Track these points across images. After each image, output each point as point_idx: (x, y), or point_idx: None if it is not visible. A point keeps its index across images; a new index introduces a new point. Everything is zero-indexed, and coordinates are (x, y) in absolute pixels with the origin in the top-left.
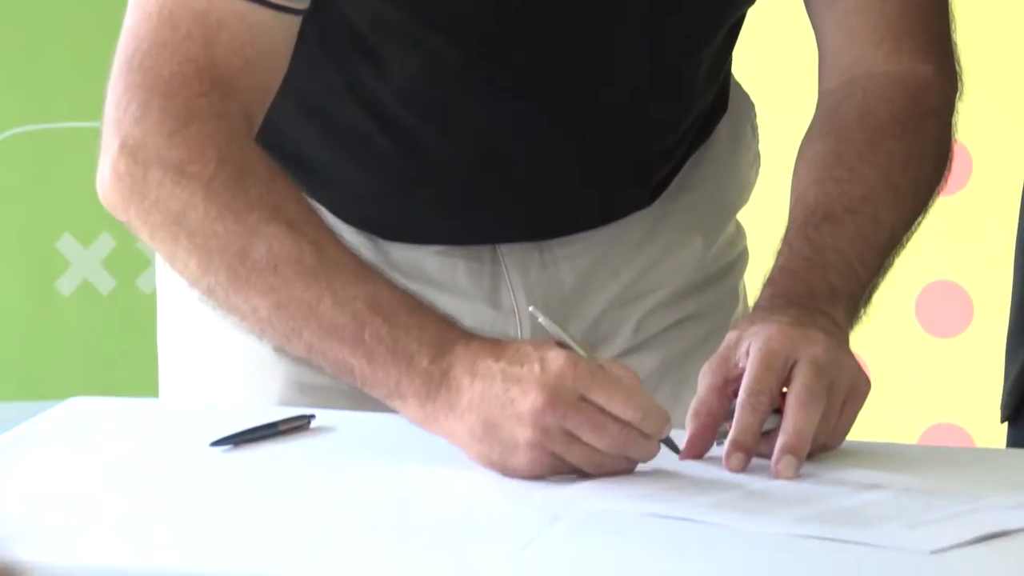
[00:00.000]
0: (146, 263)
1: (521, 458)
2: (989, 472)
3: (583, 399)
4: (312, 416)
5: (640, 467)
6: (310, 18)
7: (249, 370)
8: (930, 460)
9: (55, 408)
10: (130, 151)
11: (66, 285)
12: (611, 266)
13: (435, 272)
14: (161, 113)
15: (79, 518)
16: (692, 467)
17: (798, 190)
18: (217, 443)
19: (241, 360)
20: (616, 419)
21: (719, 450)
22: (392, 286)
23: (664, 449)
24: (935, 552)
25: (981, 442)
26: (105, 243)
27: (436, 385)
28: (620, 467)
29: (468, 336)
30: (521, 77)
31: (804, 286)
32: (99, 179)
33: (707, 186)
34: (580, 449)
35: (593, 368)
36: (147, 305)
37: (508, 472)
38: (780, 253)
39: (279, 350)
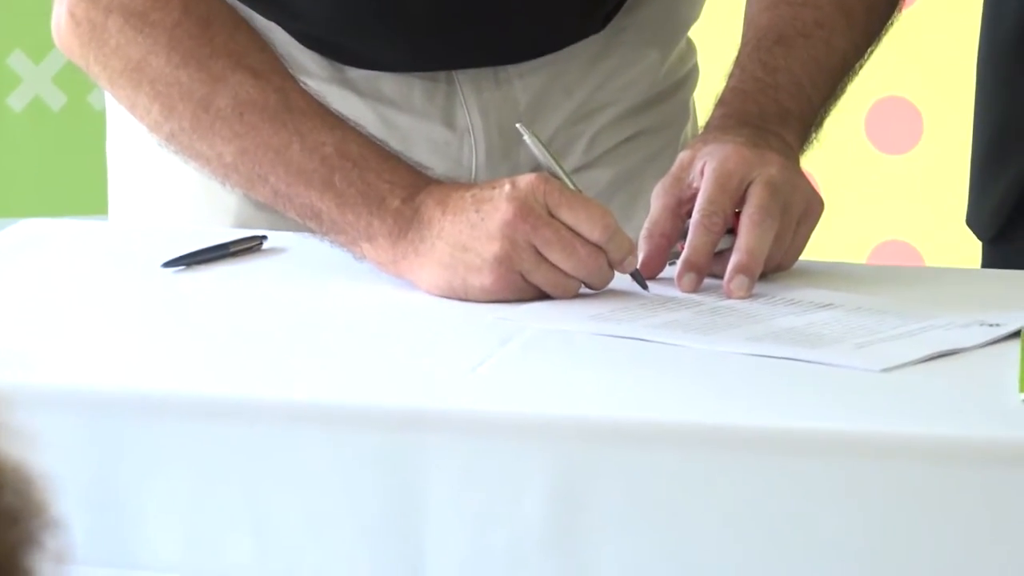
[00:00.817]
0: None
1: (486, 277)
2: (939, 291)
3: (553, 216)
4: (264, 237)
5: (594, 295)
6: None
7: (203, 189)
8: (881, 279)
9: (5, 231)
10: (90, 3)
11: (17, 102)
12: (565, 84)
13: (391, 92)
14: None
15: (31, 340)
16: (644, 289)
17: (751, 13)
18: (169, 264)
19: (195, 178)
20: (584, 240)
21: (672, 270)
22: (360, 133)
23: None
24: (885, 370)
25: (930, 259)
26: (56, 59)
27: (407, 221)
28: (577, 292)
29: (439, 179)
30: None
31: (755, 106)
32: (54, 22)
33: (659, 2)
34: (546, 269)
35: (564, 188)
36: (98, 122)
37: (469, 295)
38: (732, 74)
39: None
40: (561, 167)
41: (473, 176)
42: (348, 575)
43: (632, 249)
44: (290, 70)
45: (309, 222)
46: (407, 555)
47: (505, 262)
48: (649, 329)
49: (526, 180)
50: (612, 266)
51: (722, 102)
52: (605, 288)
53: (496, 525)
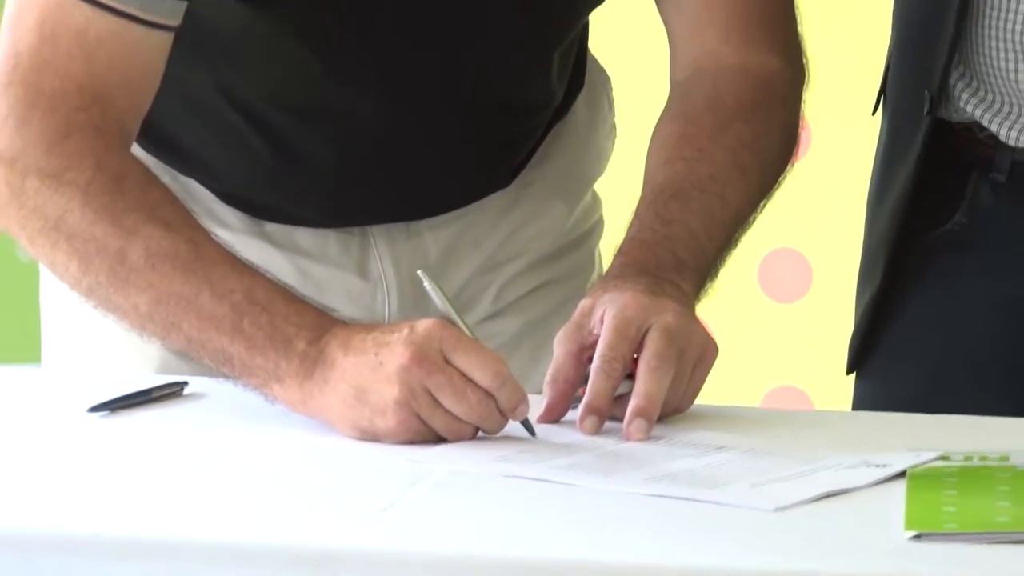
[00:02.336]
0: None
1: (389, 420)
2: (828, 433)
3: (448, 362)
4: (185, 383)
5: (501, 438)
6: (184, 25)
7: (129, 337)
8: (773, 422)
9: None
10: (8, 161)
11: None
12: (474, 236)
13: (307, 244)
14: (41, 126)
15: None
16: (548, 430)
17: (650, 169)
18: (94, 409)
19: (121, 328)
20: (476, 387)
21: (574, 414)
22: (268, 280)
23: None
24: (778, 509)
25: (820, 404)
26: None
27: (312, 363)
28: (472, 436)
29: (344, 321)
30: (381, 77)
31: (653, 256)
32: None
33: (566, 157)
34: (442, 415)
35: (460, 335)
36: (28, 273)
37: (377, 437)
38: (631, 225)
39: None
40: (459, 314)
41: (387, 323)
42: None
43: (523, 398)
44: (206, 222)
45: (222, 367)
46: None
47: (404, 406)
48: (553, 470)
49: (423, 325)
50: (502, 414)
51: (621, 252)
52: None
53: None
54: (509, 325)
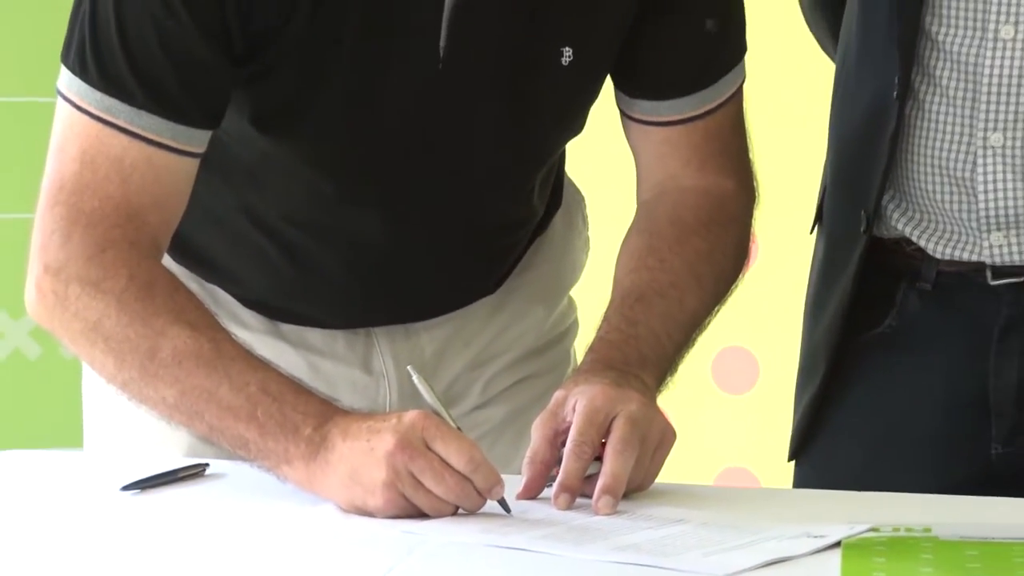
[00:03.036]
0: None
1: (378, 498)
2: (772, 508)
3: (429, 449)
4: (207, 464)
5: (488, 516)
6: (210, 151)
7: (159, 424)
8: (724, 498)
9: None
10: (53, 272)
11: (0, 353)
12: (464, 336)
13: (318, 342)
14: (82, 241)
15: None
16: (526, 505)
17: (618, 276)
18: (126, 488)
19: (152, 416)
20: (453, 471)
21: (549, 491)
22: (279, 373)
23: (509, 495)
24: (730, 575)
25: (766, 483)
26: (28, 321)
27: (316, 447)
28: (451, 513)
29: (345, 410)
30: (386, 201)
31: (620, 354)
32: (27, 296)
33: (545, 267)
34: (424, 494)
35: (441, 424)
36: (70, 368)
37: (369, 512)
38: (600, 326)
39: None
40: (444, 406)
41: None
42: None
43: (497, 481)
44: (229, 323)
45: (240, 451)
46: None
47: (391, 486)
48: (531, 540)
49: (409, 416)
50: (480, 494)
51: (592, 349)
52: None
53: None
54: (495, 414)
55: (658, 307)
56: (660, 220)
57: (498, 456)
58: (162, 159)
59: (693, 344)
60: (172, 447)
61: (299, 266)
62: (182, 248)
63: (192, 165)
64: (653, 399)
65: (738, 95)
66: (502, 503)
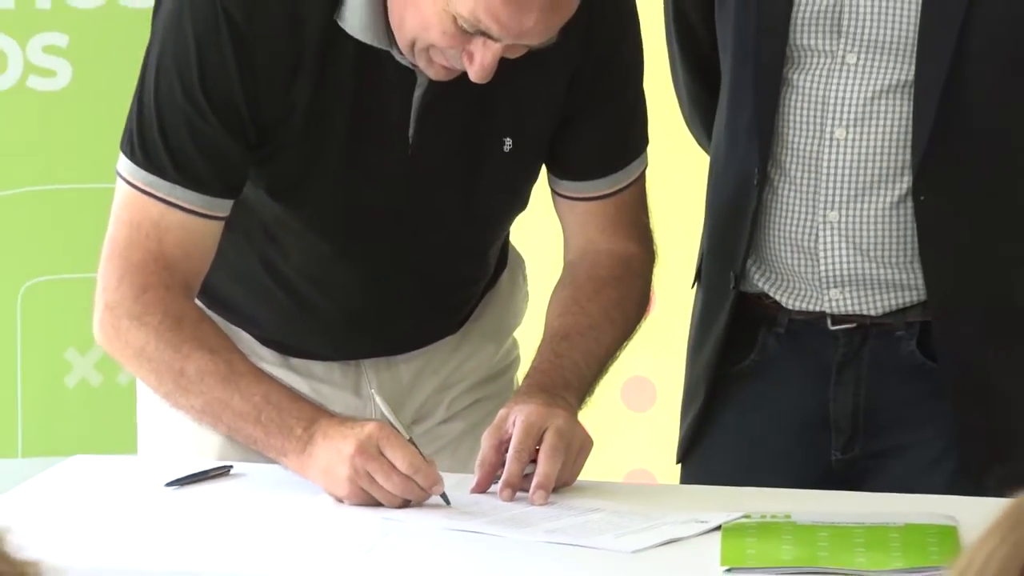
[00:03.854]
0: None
1: (344, 489)
2: (667, 500)
3: (382, 454)
4: (231, 466)
5: (449, 508)
6: (235, 215)
7: (196, 434)
8: (630, 493)
9: (64, 463)
10: (110, 309)
11: (71, 381)
12: (433, 367)
13: (319, 372)
14: (130, 285)
15: (77, 528)
16: (478, 498)
17: (549, 319)
18: (169, 484)
19: (193, 425)
20: (399, 472)
21: (495, 487)
22: (280, 385)
23: (466, 489)
24: (635, 552)
25: (662, 480)
26: (96, 352)
27: (305, 444)
28: (405, 504)
29: (331, 415)
30: (370, 258)
31: (549, 380)
32: (94, 328)
33: (495, 315)
34: (378, 489)
35: (392, 435)
36: (124, 393)
37: (340, 499)
38: (534, 359)
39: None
40: (398, 421)
41: None
42: None
43: (435, 480)
44: (244, 351)
45: (251, 446)
46: None
47: (352, 481)
48: (482, 525)
49: (369, 427)
50: (424, 489)
51: (527, 377)
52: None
53: None
54: (456, 428)
55: (580, 344)
56: (581, 276)
57: (458, 460)
58: (192, 222)
59: (606, 372)
60: (207, 452)
61: (305, 311)
62: (211, 297)
63: (217, 226)
64: (575, 415)
65: (642, 178)
66: (443, 497)
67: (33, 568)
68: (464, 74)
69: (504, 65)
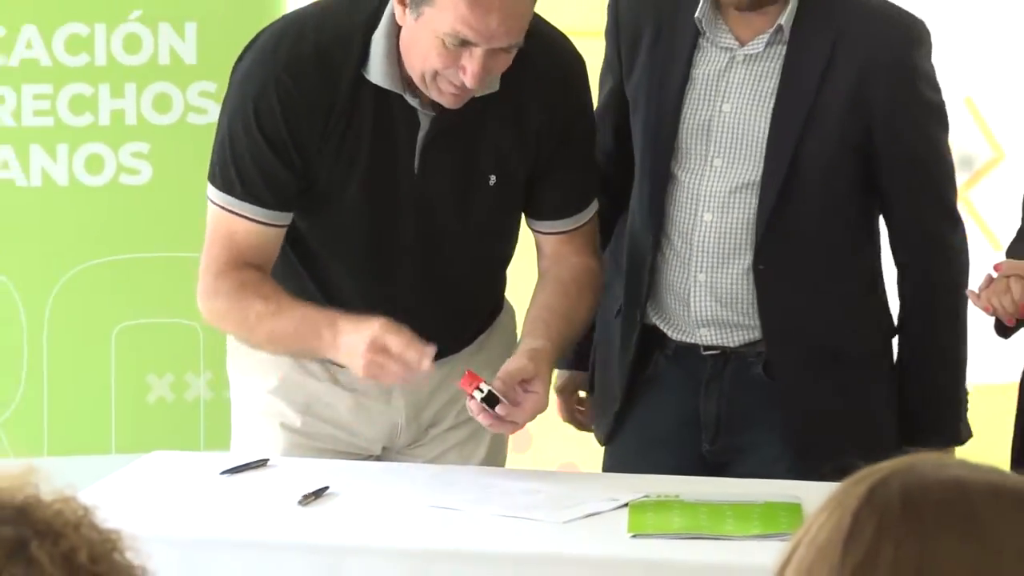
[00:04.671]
0: (193, 388)
1: (360, 367)
2: (590, 485)
3: (384, 344)
4: (267, 459)
5: (432, 489)
6: (289, 241)
7: (260, 432)
8: (562, 479)
9: (145, 457)
10: (206, 294)
11: (151, 398)
12: (448, 382)
13: (357, 383)
14: (215, 276)
15: (152, 519)
16: (455, 483)
17: (529, 315)
18: (223, 472)
19: (259, 430)
20: (394, 354)
21: (466, 482)
22: (313, 308)
23: (457, 479)
24: (566, 522)
25: (584, 468)
26: (168, 377)
27: (332, 338)
28: (403, 377)
29: (348, 317)
30: (393, 266)
31: (539, 342)
32: (199, 307)
33: (499, 343)
34: (379, 368)
35: (395, 330)
36: (190, 406)
37: (358, 372)
38: (525, 327)
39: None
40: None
41: (399, 430)
42: None
43: (421, 356)
44: (299, 375)
45: (304, 353)
46: None
47: (367, 358)
48: (454, 501)
49: (378, 323)
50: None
51: (523, 337)
52: (436, 486)
53: None
54: (461, 433)
55: (554, 327)
56: (553, 282)
57: (461, 458)
58: (256, 228)
59: (574, 342)
60: (272, 448)
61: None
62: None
63: (276, 233)
64: (552, 366)
65: (595, 217)
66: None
67: (116, 535)
68: (459, 121)
69: (490, 113)
